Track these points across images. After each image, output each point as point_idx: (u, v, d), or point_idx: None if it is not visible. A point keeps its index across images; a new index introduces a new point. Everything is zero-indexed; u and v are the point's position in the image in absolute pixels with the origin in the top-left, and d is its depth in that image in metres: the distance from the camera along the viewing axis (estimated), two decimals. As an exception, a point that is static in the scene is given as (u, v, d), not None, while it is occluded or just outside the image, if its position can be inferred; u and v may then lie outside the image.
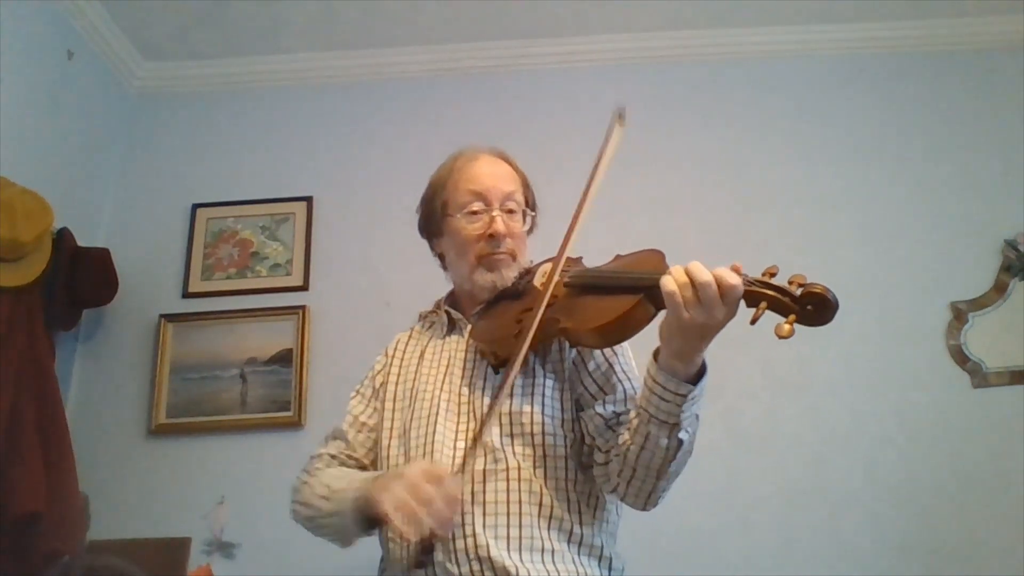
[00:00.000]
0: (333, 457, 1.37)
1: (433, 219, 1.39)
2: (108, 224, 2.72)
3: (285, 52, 2.87)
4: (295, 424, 2.43)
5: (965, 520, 2.27)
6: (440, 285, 2.53)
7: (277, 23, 2.74)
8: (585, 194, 1.22)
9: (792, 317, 0.95)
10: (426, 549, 1.08)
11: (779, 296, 0.96)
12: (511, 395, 1.21)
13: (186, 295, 2.63)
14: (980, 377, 2.43)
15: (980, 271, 2.56)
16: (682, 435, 1.07)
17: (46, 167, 2.39)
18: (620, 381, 1.23)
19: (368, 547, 2.24)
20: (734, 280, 0.98)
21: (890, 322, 2.50)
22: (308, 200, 2.73)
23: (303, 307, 2.57)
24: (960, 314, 2.51)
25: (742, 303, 0.99)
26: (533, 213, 1.40)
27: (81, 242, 2.41)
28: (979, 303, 2.52)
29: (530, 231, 1.42)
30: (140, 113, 2.90)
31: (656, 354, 1.07)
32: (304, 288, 2.62)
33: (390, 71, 2.90)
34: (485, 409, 1.21)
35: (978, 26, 2.82)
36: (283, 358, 2.52)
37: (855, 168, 2.71)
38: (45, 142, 2.43)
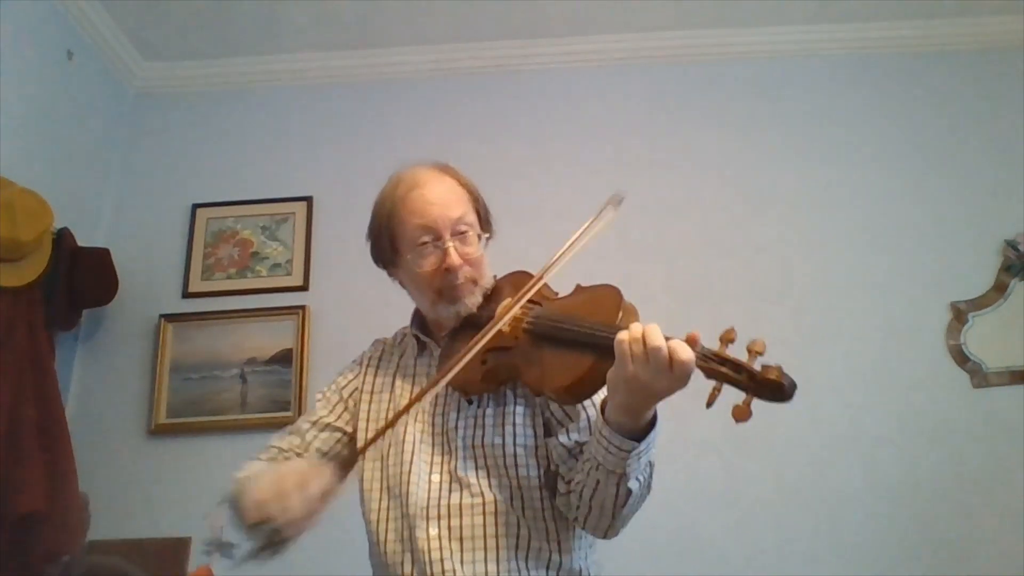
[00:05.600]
0: (282, 451, 1.35)
1: (384, 254, 1.34)
2: (108, 224, 2.72)
3: (285, 52, 2.87)
4: (295, 424, 2.43)
5: (965, 520, 2.28)
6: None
7: (277, 23, 2.74)
8: (555, 260, 1.17)
9: (749, 398, 0.92)
10: (270, 545, 1.08)
11: (732, 374, 0.93)
12: (483, 426, 1.21)
13: (186, 295, 2.63)
14: (980, 377, 2.43)
15: (980, 271, 2.56)
16: (631, 484, 1.06)
17: (46, 167, 2.39)
18: (584, 408, 1.20)
19: (367, 548, 2.24)
20: (686, 355, 0.93)
21: (890, 322, 2.50)
22: (308, 200, 2.73)
23: (303, 307, 2.57)
24: (960, 314, 2.51)
25: (699, 375, 0.96)
26: (487, 235, 1.33)
27: (81, 242, 2.41)
28: (979, 303, 2.52)
29: (489, 239, 1.36)
30: (140, 113, 2.90)
31: (604, 406, 1.05)
32: (304, 288, 2.62)
33: (390, 71, 2.90)
34: (459, 441, 1.21)
35: (978, 26, 2.82)
36: (283, 358, 2.52)
37: (855, 168, 2.71)
38: (45, 142, 2.43)
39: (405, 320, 2.71)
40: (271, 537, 1.06)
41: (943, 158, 2.71)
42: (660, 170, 2.72)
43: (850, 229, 2.63)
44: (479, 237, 1.30)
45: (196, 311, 2.59)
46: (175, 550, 2.28)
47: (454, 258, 1.24)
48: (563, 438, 1.18)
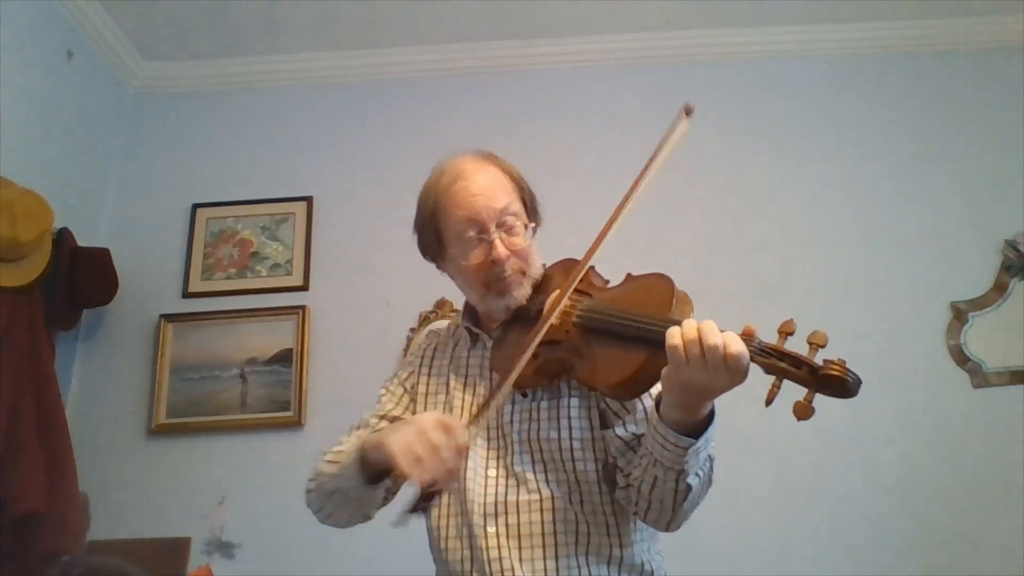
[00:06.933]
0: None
1: (431, 248, 1.32)
2: (108, 224, 2.72)
3: (285, 52, 2.87)
4: (295, 424, 2.43)
5: (965, 520, 2.27)
6: (439, 285, 2.53)
7: (277, 23, 2.74)
8: (629, 192, 1.18)
9: (811, 395, 0.89)
10: (425, 497, 1.06)
11: (792, 369, 0.91)
12: (538, 420, 1.20)
13: (186, 295, 2.63)
14: (980, 377, 2.43)
15: (980, 271, 2.56)
16: (690, 480, 1.04)
17: (46, 167, 2.39)
18: (640, 399, 1.18)
19: (368, 548, 2.24)
20: (737, 348, 0.92)
21: (890, 322, 2.50)
22: (308, 200, 2.73)
23: (303, 307, 2.57)
24: (960, 314, 2.50)
25: (757, 369, 0.94)
26: (533, 224, 1.31)
27: (81, 242, 2.41)
28: (979, 303, 2.52)
29: (536, 229, 1.34)
30: (140, 113, 2.90)
31: (659, 401, 1.04)
32: (304, 288, 2.62)
33: (390, 71, 2.90)
34: (515, 436, 1.20)
35: (978, 26, 2.82)
36: (283, 358, 2.52)
37: (855, 168, 2.71)
38: (45, 142, 2.43)
39: (406, 320, 2.71)
40: (428, 494, 1.05)
41: (943, 158, 2.71)
42: (660, 170, 2.71)
43: (850, 229, 2.63)
44: (526, 227, 1.28)
45: (196, 311, 2.59)
46: (175, 550, 2.28)
47: (500, 250, 1.22)
48: (620, 430, 1.17)
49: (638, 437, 1.15)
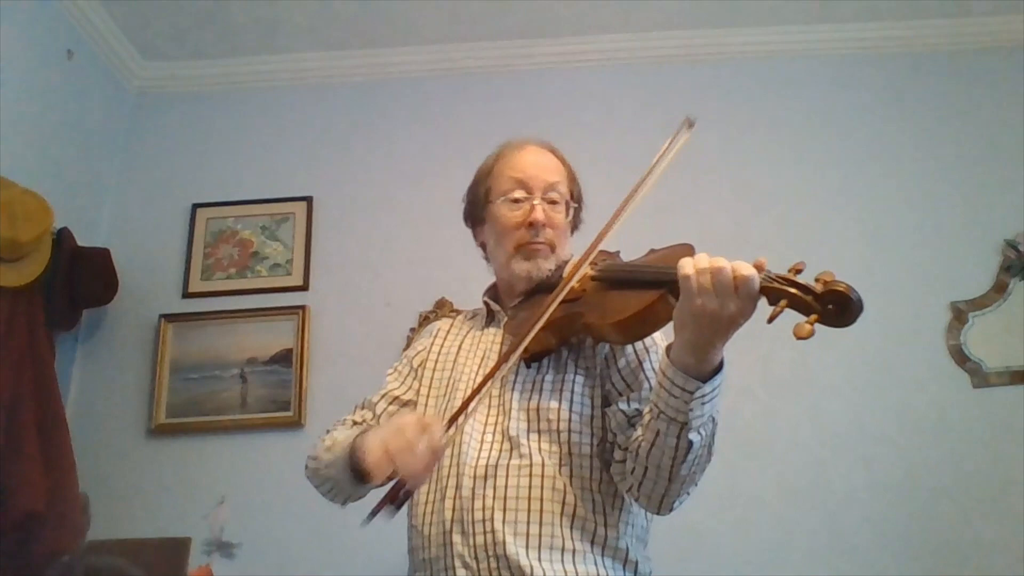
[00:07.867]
0: (356, 423, 1.37)
1: (476, 206, 1.39)
2: (108, 224, 2.72)
3: (285, 52, 2.87)
4: (295, 424, 2.43)
5: (965, 520, 2.27)
6: (439, 285, 2.54)
7: (277, 23, 2.74)
8: (629, 196, 1.20)
9: (813, 317, 0.90)
10: (394, 497, 1.06)
11: (799, 294, 0.91)
12: (540, 391, 1.21)
13: (186, 295, 2.63)
14: (980, 377, 2.43)
15: (980, 271, 2.56)
16: (692, 436, 1.03)
17: (46, 167, 2.40)
18: (647, 378, 1.19)
19: (369, 548, 2.24)
20: (748, 271, 0.93)
21: (890, 322, 2.50)
22: (308, 200, 2.73)
23: (303, 307, 2.57)
24: (960, 314, 2.51)
25: (764, 302, 0.95)
26: (576, 205, 1.39)
27: (81, 242, 2.41)
28: (979, 303, 2.52)
29: (575, 227, 1.40)
30: (140, 113, 2.90)
31: (669, 349, 1.04)
32: (304, 288, 2.62)
33: (390, 71, 2.90)
34: (515, 403, 1.21)
35: (978, 26, 2.82)
36: (283, 358, 2.52)
37: (855, 168, 2.71)
38: (45, 142, 2.43)
39: (405, 320, 2.71)
40: (397, 491, 1.06)
41: (943, 158, 2.71)
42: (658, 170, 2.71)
43: (850, 229, 2.63)
44: (568, 208, 1.36)
45: (196, 311, 2.59)
46: (175, 550, 2.28)
47: (539, 214, 1.30)
48: (623, 405, 1.18)
49: (640, 413, 1.15)
